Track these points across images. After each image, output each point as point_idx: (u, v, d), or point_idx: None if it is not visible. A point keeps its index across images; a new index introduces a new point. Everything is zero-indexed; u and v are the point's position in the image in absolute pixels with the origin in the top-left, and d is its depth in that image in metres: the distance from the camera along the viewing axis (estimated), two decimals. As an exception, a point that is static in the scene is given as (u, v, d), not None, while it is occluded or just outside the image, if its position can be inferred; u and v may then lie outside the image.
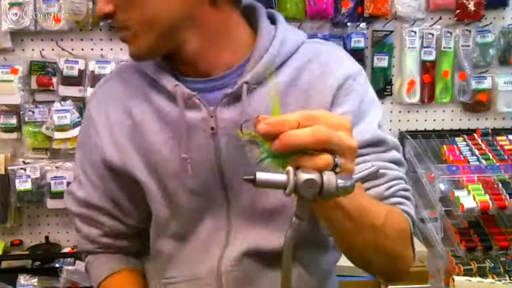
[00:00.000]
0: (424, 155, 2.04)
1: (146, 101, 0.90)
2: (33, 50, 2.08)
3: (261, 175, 0.57)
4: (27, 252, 2.15)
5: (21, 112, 2.04)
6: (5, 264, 2.04)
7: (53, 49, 2.07)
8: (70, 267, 1.97)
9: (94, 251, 1.04)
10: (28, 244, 2.19)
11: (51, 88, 2.05)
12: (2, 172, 2.06)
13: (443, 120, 2.24)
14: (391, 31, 2.14)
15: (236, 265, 0.90)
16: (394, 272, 0.86)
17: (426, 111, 2.23)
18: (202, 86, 0.87)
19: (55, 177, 2.04)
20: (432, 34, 2.14)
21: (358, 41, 2.09)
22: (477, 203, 1.81)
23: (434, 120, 2.24)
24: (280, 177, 0.57)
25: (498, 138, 2.12)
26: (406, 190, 0.89)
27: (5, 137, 2.08)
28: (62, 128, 2.01)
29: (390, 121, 2.22)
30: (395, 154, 0.90)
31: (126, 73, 0.96)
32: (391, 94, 2.20)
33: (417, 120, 2.24)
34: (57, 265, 2.05)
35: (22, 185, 2.04)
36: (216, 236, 0.92)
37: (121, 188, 0.96)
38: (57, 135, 2.02)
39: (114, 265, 1.03)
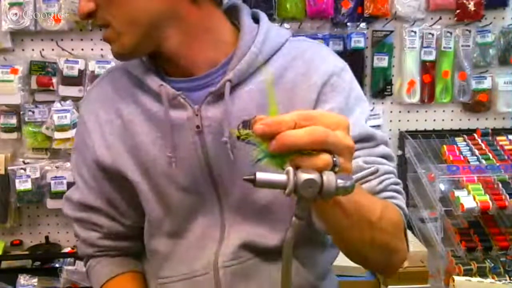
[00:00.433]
0: (424, 155, 2.04)
1: (134, 102, 0.91)
2: (33, 50, 2.08)
3: (261, 175, 0.57)
4: (27, 252, 2.15)
5: (21, 112, 2.05)
6: (5, 264, 2.04)
7: (53, 49, 2.07)
8: (70, 267, 1.98)
9: (94, 255, 1.04)
10: (28, 244, 2.19)
11: (51, 88, 2.06)
12: (2, 172, 2.06)
13: (443, 120, 2.24)
14: (391, 31, 2.14)
15: (233, 260, 0.91)
16: (390, 265, 0.86)
17: (426, 111, 2.23)
18: (186, 85, 0.88)
19: (55, 177, 2.04)
20: (432, 34, 2.14)
21: (358, 41, 2.09)
22: (477, 203, 1.81)
23: (434, 120, 2.24)
24: (280, 177, 0.57)
25: (498, 138, 2.12)
26: (397, 184, 0.90)
27: (5, 137, 2.08)
28: (62, 128, 2.02)
29: (390, 121, 2.22)
30: (384, 149, 0.90)
31: (115, 74, 0.97)
32: (391, 94, 2.20)
33: (417, 120, 2.24)
34: (57, 265, 2.05)
35: (22, 185, 2.04)
36: (211, 232, 0.93)
37: (115, 188, 0.97)
38: (57, 135, 2.02)
39: (114, 268, 1.03)
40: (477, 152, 2.04)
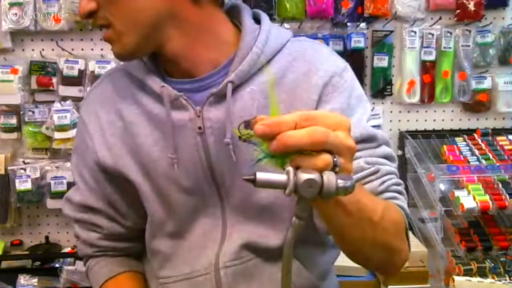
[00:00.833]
0: (424, 155, 2.04)
1: (135, 103, 0.91)
2: (33, 50, 2.08)
3: (261, 175, 0.57)
4: (27, 252, 2.15)
5: (21, 112, 2.05)
6: (5, 264, 2.04)
7: (53, 49, 2.07)
8: (70, 267, 1.98)
9: (94, 255, 1.04)
10: (28, 244, 2.19)
11: (51, 88, 2.05)
12: (2, 172, 2.06)
13: (443, 120, 2.24)
14: (391, 31, 2.14)
15: (234, 260, 0.91)
16: (391, 266, 0.86)
17: (426, 111, 2.23)
18: (188, 86, 0.87)
19: (55, 177, 2.04)
20: (432, 34, 2.14)
21: (358, 41, 2.09)
22: (477, 203, 1.81)
23: (434, 120, 2.24)
24: (280, 177, 0.57)
25: (498, 138, 2.12)
26: (398, 184, 0.90)
27: (5, 137, 2.08)
28: (62, 128, 2.01)
29: (390, 121, 2.22)
30: (386, 149, 0.90)
31: (115, 75, 0.96)
32: (391, 94, 2.20)
33: (417, 120, 2.24)
34: (57, 265, 2.05)
35: (22, 185, 2.04)
36: (212, 232, 0.93)
37: (116, 189, 0.97)
38: (57, 135, 2.02)
39: (114, 268, 1.03)
40: (477, 152, 2.04)
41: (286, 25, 2.08)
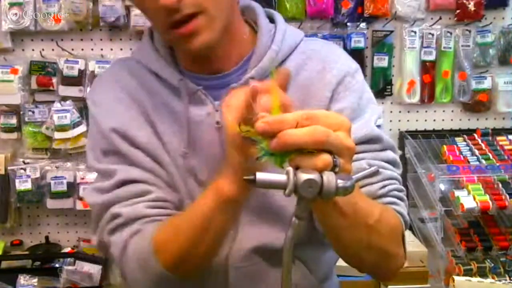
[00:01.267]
0: (424, 155, 2.04)
1: (152, 93, 0.90)
2: (33, 50, 2.08)
3: (261, 175, 0.58)
4: (27, 252, 2.15)
5: (21, 112, 2.04)
6: (5, 264, 2.04)
7: (53, 49, 2.07)
8: (70, 267, 1.98)
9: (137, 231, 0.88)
10: (28, 244, 2.19)
11: (51, 88, 2.05)
12: (2, 172, 2.06)
13: (443, 120, 2.24)
14: (391, 31, 2.14)
15: (245, 262, 0.91)
16: (386, 270, 0.86)
17: (426, 111, 2.23)
18: (206, 83, 0.88)
19: (55, 177, 2.04)
20: (432, 34, 2.14)
21: (358, 41, 2.09)
22: (477, 203, 1.81)
23: (434, 120, 2.24)
24: (280, 177, 0.57)
25: (498, 138, 2.12)
26: (400, 190, 0.90)
27: (5, 137, 2.08)
28: (62, 128, 2.01)
29: (390, 121, 2.22)
30: (390, 154, 0.91)
31: (130, 63, 0.94)
32: (391, 94, 2.20)
33: (417, 120, 2.24)
34: (57, 265, 2.05)
35: (22, 185, 2.04)
36: None
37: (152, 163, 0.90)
38: (57, 135, 2.02)
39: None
40: (477, 152, 2.04)
41: (286, 25, 2.08)
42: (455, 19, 2.14)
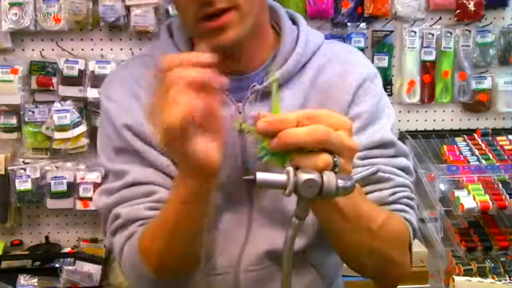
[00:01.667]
0: (424, 155, 2.04)
1: None
2: (33, 50, 2.08)
3: (261, 175, 0.58)
4: (27, 252, 2.15)
5: (21, 112, 2.04)
6: (5, 264, 2.04)
7: (53, 49, 2.07)
8: (70, 267, 1.98)
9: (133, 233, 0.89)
10: (28, 244, 2.19)
11: (51, 88, 2.05)
12: (2, 172, 2.06)
13: (443, 120, 2.24)
14: (391, 31, 2.14)
15: (256, 265, 0.90)
16: (388, 277, 0.86)
17: (426, 111, 2.23)
18: (229, 84, 0.87)
19: (55, 177, 2.04)
20: (432, 34, 2.14)
21: (358, 41, 2.09)
22: (477, 203, 1.81)
23: (434, 120, 2.24)
24: (280, 177, 0.57)
25: (498, 138, 2.12)
26: (410, 198, 0.90)
27: (5, 137, 2.08)
28: (62, 128, 2.01)
29: (390, 121, 2.22)
30: (403, 161, 0.91)
31: (147, 60, 0.92)
32: (391, 94, 2.20)
33: (417, 120, 2.24)
34: (57, 265, 2.04)
35: (22, 185, 2.04)
36: (237, 232, 0.91)
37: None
38: (57, 135, 2.02)
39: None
40: (477, 152, 2.04)
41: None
42: (455, 19, 2.14)
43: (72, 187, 2.05)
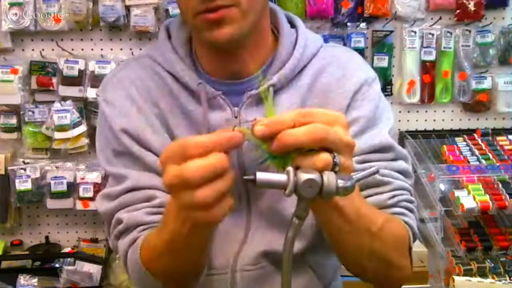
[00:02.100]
0: (424, 155, 2.04)
1: (170, 95, 0.89)
2: (33, 50, 2.08)
3: (261, 175, 0.57)
4: (27, 252, 2.15)
5: (21, 112, 2.04)
6: (5, 264, 2.04)
7: (53, 49, 2.07)
8: (70, 267, 1.98)
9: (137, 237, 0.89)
10: (28, 244, 2.19)
11: (51, 88, 2.05)
12: (2, 172, 2.06)
13: (443, 120, 2.24)
14: (391, 31, 2.14)
15: (252, 265, 0.90)
16: (388, 280, 0.85)
17: (426, 111, 2.23)
18: (226, 88, 0.87)
19: (55, 177, 2.04)
20: (432, 34, 2.14)
21: (358, 41, 2.09)
22: (477, 203, 1.81)
23: (434, 120, 2.24)
24: (280, 177, 0.57)
25: (498, 138, 2.12)
26: (410, 201, 0.90)
27: (5, 137, 2.08)
28: (62, 128, 2.01)
29: (390, 121, 2.22)
30: (403, 164, 0.90)
31: (146, 61, 0.92)
32: (391, 94, 2.20)
33: (417, 120, 2.24)
34: (57, 265, 2.05)
35: (22, 185, 2.04)
36: (235, 232, 0.91)
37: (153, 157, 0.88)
38: (57, 135, 2.02)
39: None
40: (477, 152, 2.04)
41: (286, 25, 2.08)
42: (455, 19, 2.14)
43: (72, 187, 2.05)
